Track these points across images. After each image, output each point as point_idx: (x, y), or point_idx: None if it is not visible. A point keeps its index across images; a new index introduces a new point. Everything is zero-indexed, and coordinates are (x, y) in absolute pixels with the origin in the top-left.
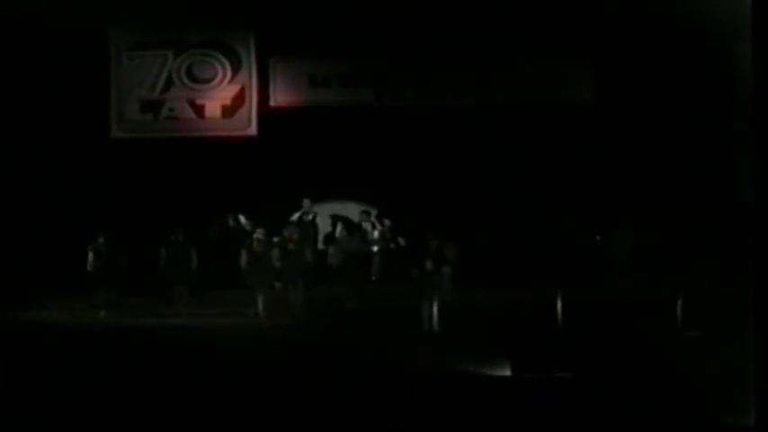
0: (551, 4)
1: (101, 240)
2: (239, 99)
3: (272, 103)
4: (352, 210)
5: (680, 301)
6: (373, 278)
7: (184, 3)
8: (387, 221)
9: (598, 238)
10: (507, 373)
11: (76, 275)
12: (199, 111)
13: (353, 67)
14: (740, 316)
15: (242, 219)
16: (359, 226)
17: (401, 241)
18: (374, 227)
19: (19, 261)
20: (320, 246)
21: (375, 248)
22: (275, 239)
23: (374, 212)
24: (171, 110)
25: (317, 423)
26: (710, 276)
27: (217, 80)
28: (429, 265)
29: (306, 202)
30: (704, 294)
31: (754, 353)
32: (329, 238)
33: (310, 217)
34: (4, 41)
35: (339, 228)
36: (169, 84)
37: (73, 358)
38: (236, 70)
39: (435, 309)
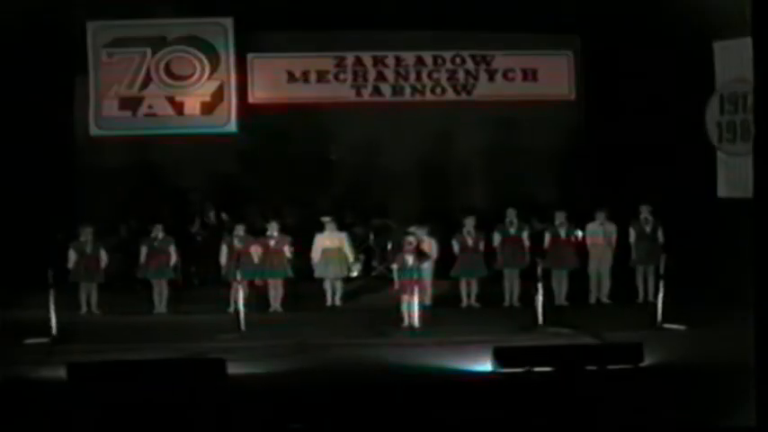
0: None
1: (82, 239)
2: (218, 96)
3: (250, 100)
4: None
5: (660, 295)
6: (354, 274)
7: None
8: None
9: (579, 232)
10: (488, 367)
11: (58, 273)
12: (177, 108)
13: (332, 63)
14: (723, 309)
15: (224, 215)
16: (340, 222)
17: (380, 239)
18: (357, 223)
19: None
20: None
21: (356, 245)
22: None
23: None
24: (150, 107)
25: (299, 420)
26: (692, 270)
27: (195, 77)
28: (410, 260)
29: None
30: (686, 288)
31: (754, 353)
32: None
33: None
34: None
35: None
36: (147, 81)
37: (56, 356)
38: (214, 67)
39: (416, 304)
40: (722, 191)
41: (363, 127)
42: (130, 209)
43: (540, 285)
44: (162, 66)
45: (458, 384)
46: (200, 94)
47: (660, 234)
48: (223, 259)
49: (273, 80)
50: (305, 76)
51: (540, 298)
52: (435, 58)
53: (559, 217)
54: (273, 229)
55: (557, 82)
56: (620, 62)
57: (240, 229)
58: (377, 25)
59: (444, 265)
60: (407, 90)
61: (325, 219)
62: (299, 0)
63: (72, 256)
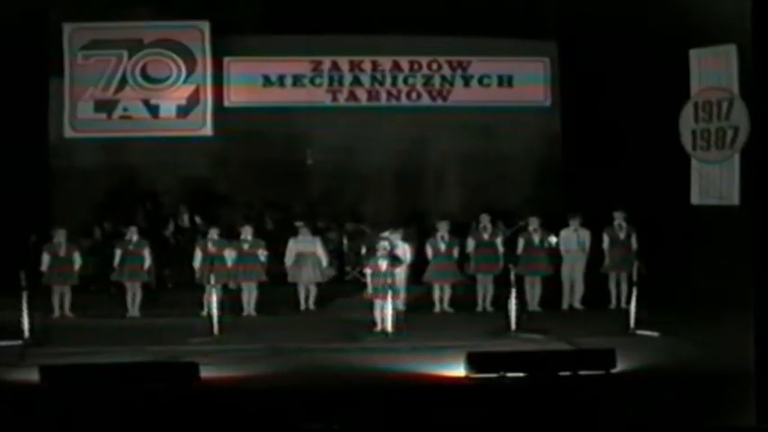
0: (507, 7)
1: (56, 241)
2: (194, 99)
3: (225, 103)
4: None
5: (633, 301)
6: (325, 279)
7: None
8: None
9: (553, 238)
10: (461, 372)
11: (31, 276)
12: (153, 110)
13: (308, 67)
14: (695, 316)
15: (197, 218)
16: (313, 227)
17: (354, 244)
18: (331, 228)
19: None
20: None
21: (329, 248)
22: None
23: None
24: (125, 109)
25: (273, 425)
26: (665, 277)
27: (171, 80)
28: (383, 265)
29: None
30: (659, 295)
31: (754, 354)
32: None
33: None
34: None
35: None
36: (123, 83)
37: (29, 358)
38: (190, 70)
39: (389, 309)
40: (695, 198)
41: (339, 131)
42: (104, 211)
43: (513, 291)
44: (138, 68)
45: (431, 389)
46: (176, 97)
47: (634, 240)
48: (197, 263)
49: (249, 84)
50: (281, 80)
51: (513, 303)
52: (412, 64)
53: (533, 223)
54: (247, 233)
55: (532, 88)
56: (596, 69)
57: (214, 233)
58: (353, 30)
59: (418, 270)
60: (383, 95)
61: (299, 223)
62: (276, 4)
63: (45, 258)
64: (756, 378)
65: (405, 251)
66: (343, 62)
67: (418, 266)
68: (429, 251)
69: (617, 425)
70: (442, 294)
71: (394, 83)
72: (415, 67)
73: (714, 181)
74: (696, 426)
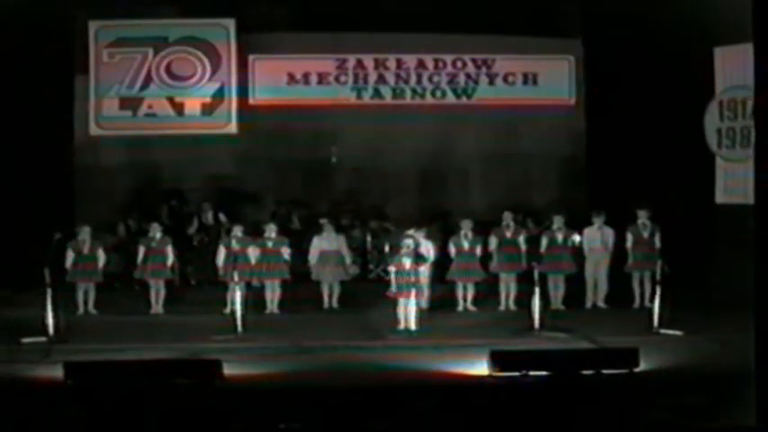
0: (532, 5)
1: (80, 238)
2: (218, 96)
3: (250, 101)
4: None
5: (656, 300)
6: (349, 278)
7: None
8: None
9: (577, 236)
10: (484, 371)
11: (56, 273)
12: (178, 108)
13: (333, 65)
14: (719, 315)
15: (221, 216)
16: (337, 224)
17: (378, 242)
18: (355, 226)
19: None
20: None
21: (353, 246)
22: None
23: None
24: (150, 107)
25: (294, 421)
26: (689, 275)
27: (196, 77)
28: (407, 263)
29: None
30: (683, 293)
31: (754, 354)
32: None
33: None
34: None
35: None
36: (148, 81)
37: (53, 355)
38: (215, 68)
39: (413, 307)
40: (720, 197)
41: (363, 129)
42: (128, 209)
43: (536, 289)
44: (163, 66)
45: (454, 388)
46: (201, 95)
47: (657, 239)
48: (220, 260)
49: (274, 82)
50: (306, 78)
51: (536, 302)
52: (436, 62)
53: (557, 221)
54: (271, 231)
55: (557, 86)
56: (621, 67)
57: (238, 230)
58: (378, 27)
59: (441, 269)
60: (408, 93)
61: (323, 221)
62: (301, 2)
63: (70, 255)
64: (756, 378)
65: (428, 249)
66: (368, 60)
67: (442, 265)
68: (452, 249)
69: (640, 424)
70: (465, 293)
71: (419, 81)
72: (440, 65)
73: (739, 180)
74: (708, 425)
